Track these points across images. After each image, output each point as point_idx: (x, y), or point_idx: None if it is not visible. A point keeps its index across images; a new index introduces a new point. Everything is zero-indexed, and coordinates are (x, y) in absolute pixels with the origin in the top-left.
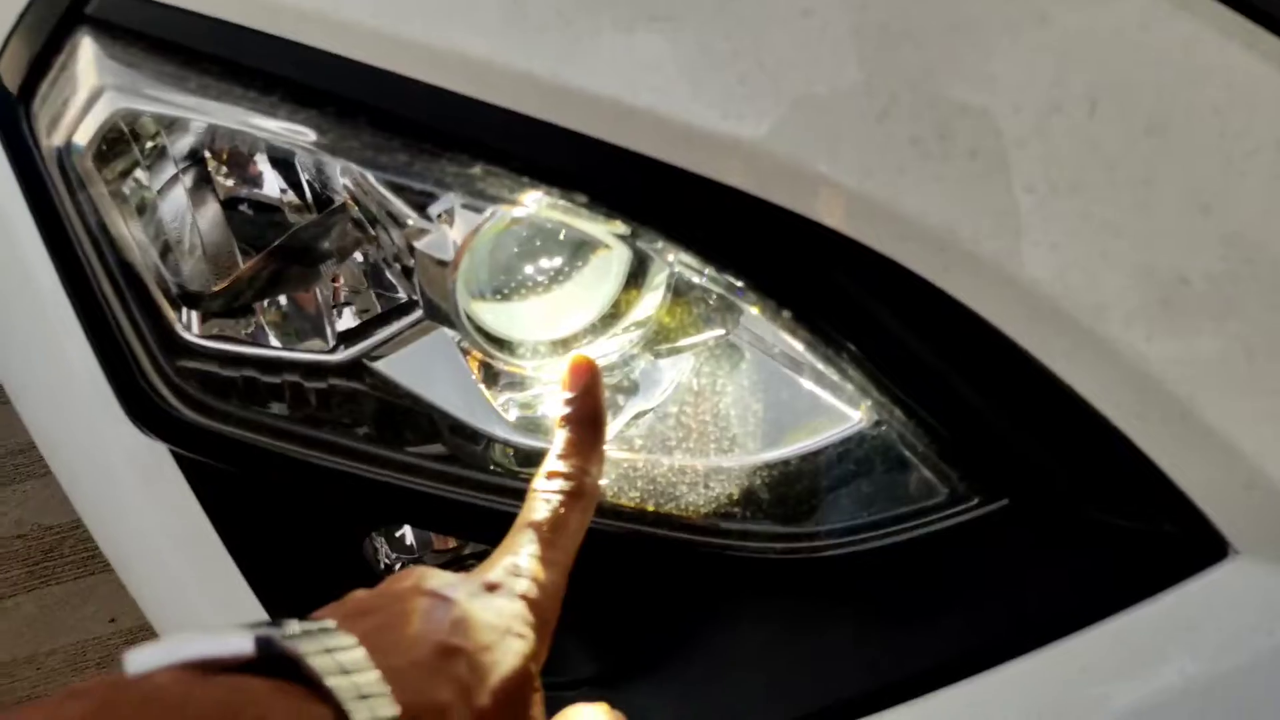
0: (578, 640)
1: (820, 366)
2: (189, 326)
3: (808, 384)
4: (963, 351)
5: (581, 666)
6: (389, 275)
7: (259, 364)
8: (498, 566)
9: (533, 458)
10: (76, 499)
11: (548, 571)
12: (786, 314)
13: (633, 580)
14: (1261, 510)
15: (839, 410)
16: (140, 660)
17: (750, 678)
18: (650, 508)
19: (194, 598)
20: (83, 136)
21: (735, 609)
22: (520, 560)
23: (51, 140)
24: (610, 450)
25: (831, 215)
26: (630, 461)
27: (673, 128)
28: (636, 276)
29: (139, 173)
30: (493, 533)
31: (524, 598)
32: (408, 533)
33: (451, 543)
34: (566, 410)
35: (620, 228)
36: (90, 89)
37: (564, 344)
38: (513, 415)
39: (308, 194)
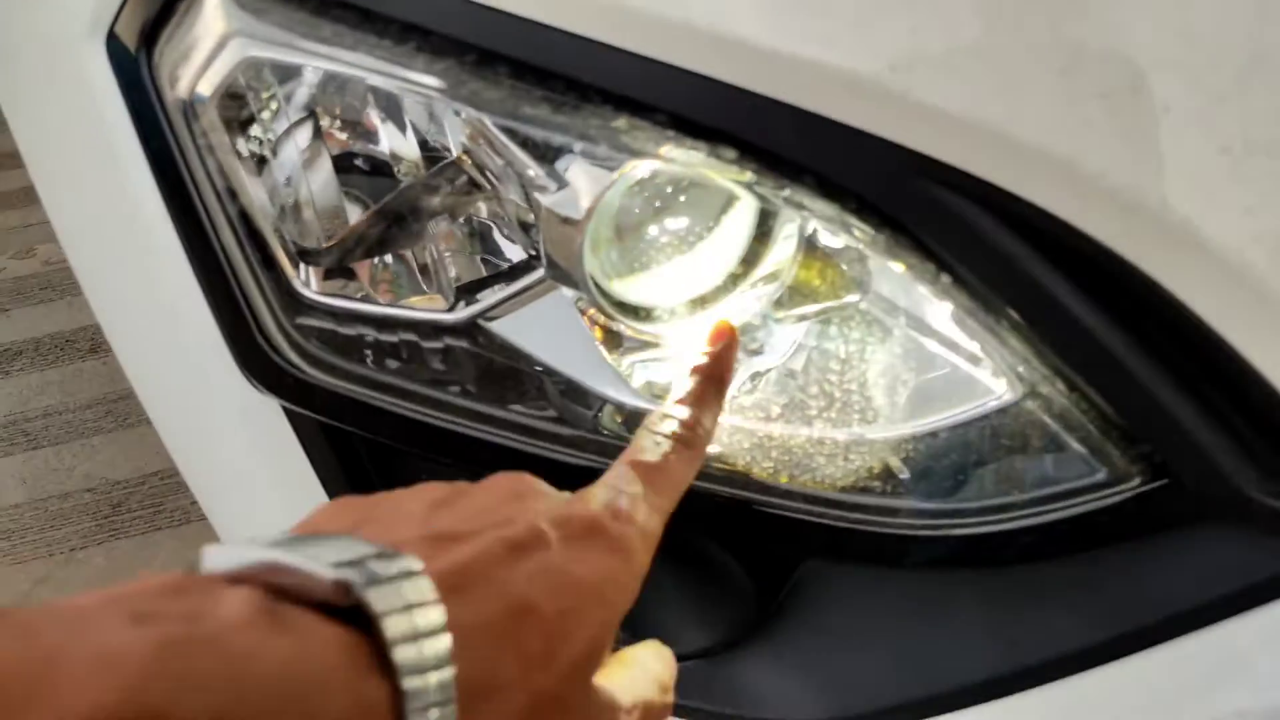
0: (698, 610)
1: (974, 335)
2: (308, 283)
3: (947, 353)
4: (1139, 323)
5: (702, 637)
6: (503, 234)
7: (376, 322)
8: (600, 502)
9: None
10: (179, 454)
11: (650, 517)
12: (946, 278)
13: (760, 551)
14: None
15: (981, 382)
16: (220, 560)
17: (881, 657)
18: (784, 479)
19: None
20: (207, 86)
21: (873, 586)
22: (623, 502)
23: (176, 91)
24: (742, 419)
25: (1004, 173)
26: (765, 431)
27: (837, 79)
28: (765, 231)
29: (257, 127)
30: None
31: (621, 549)
32: None
33: None
34: (697, 363)
35: (756, 181)
36: (217, 36)
37: (689, 306)
38: (637, 380)
39: (418, 150)
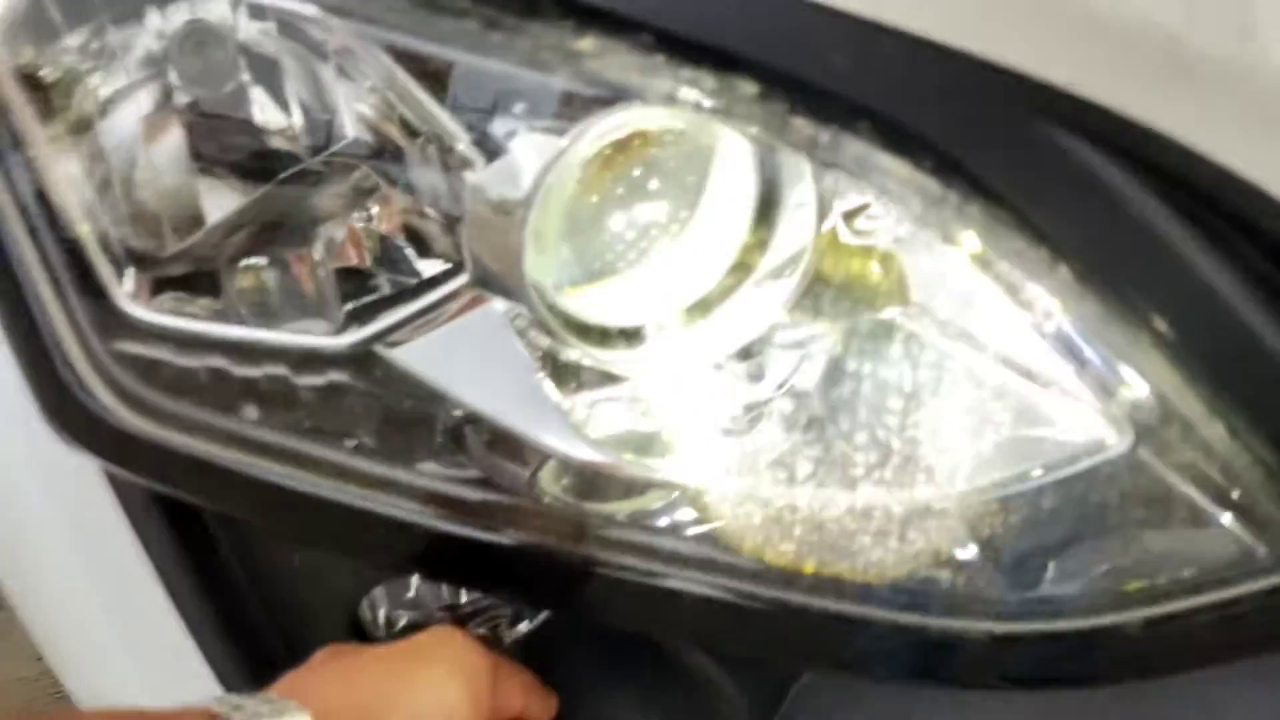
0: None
1: (1105, 354)
2: (134, 296)
3: (1043, 390)
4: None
5: None
6: (410, 231)
7: (231, 350)
8: None
9: (597, 487)
10: None
11: None
12: (1065, 270)
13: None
14: None
15: (1087, 423)
16: None
17: None
18: (811, 568)
19: (124, 664)
20: None
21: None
22: None
23: None
24: (751, 479)
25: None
26: (785, 497)
27: None
28: (768, 203)
29: (64, 84)
30: (536, 587)
31: None
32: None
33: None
34: None
35: (786, 132)
36: None
37: (668, 323)
38: (595, 428)
39: (302, 120)
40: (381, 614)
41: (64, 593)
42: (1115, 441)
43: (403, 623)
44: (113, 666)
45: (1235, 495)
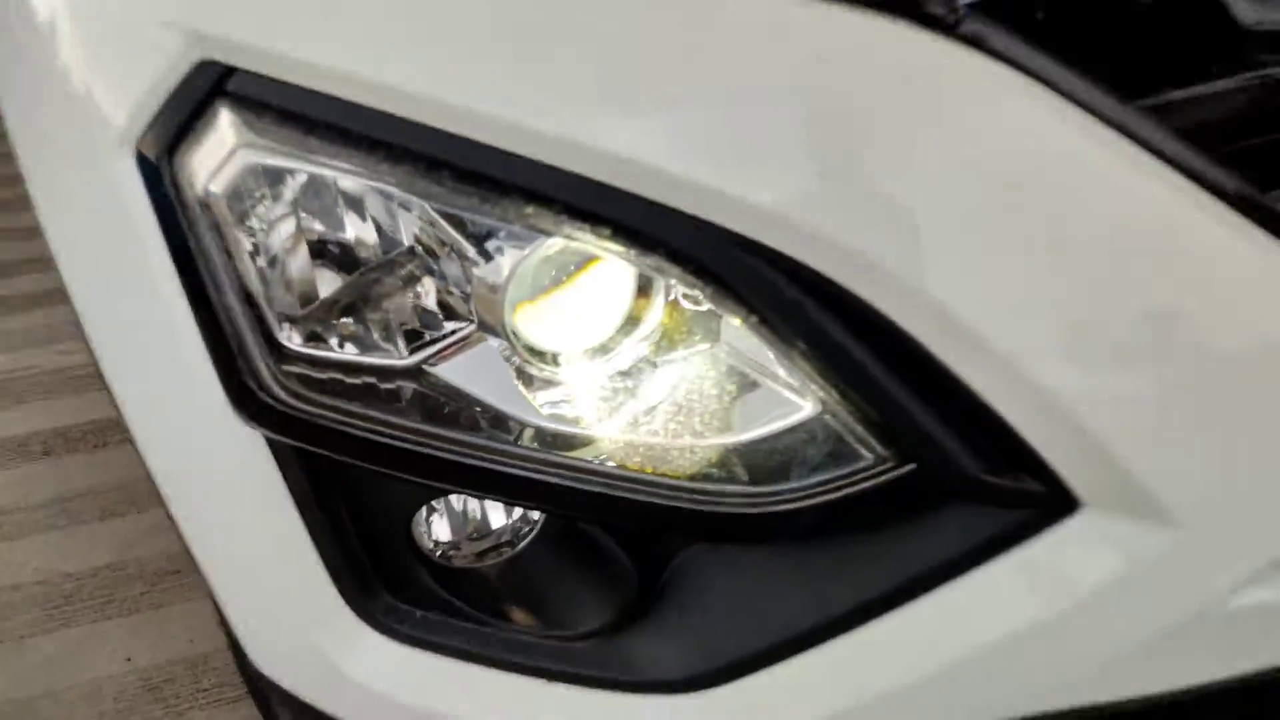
0: (591, 594)
1: (782, 365)
2: (289, 336)
3: (770, 382)
4: (886, 352)
5: (595, 618)
6: (443, 299)
7: (342, 368)
8: None
9: (555, 440)
10: (171, 485)
11: None
12: (754, 319)
13: (641, 542)
14: (1101, 475)
15: (793, 400)
16: None
17: (735, 621)
18: (649, 470)
19: (272, 566)
20: (219, 186)
21: (729, 570)
22: None
23: (194, 190)
24: (636, 434)
25: (800, 251)
26: (647, 443)
27: (685, 185)
28: (642, 298)
29: (254, 218)
30: (516, 494)
31: None
32: (439, 524)
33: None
34: None
35: (628, 253)
36: (229, 147)
37: (587, 353)
38: (545, 410)
39: (376, 237)
40: (426, 528)
41: (235, 521)
42: (808, 407)
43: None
44: (264, 569)
45: (855, 432)
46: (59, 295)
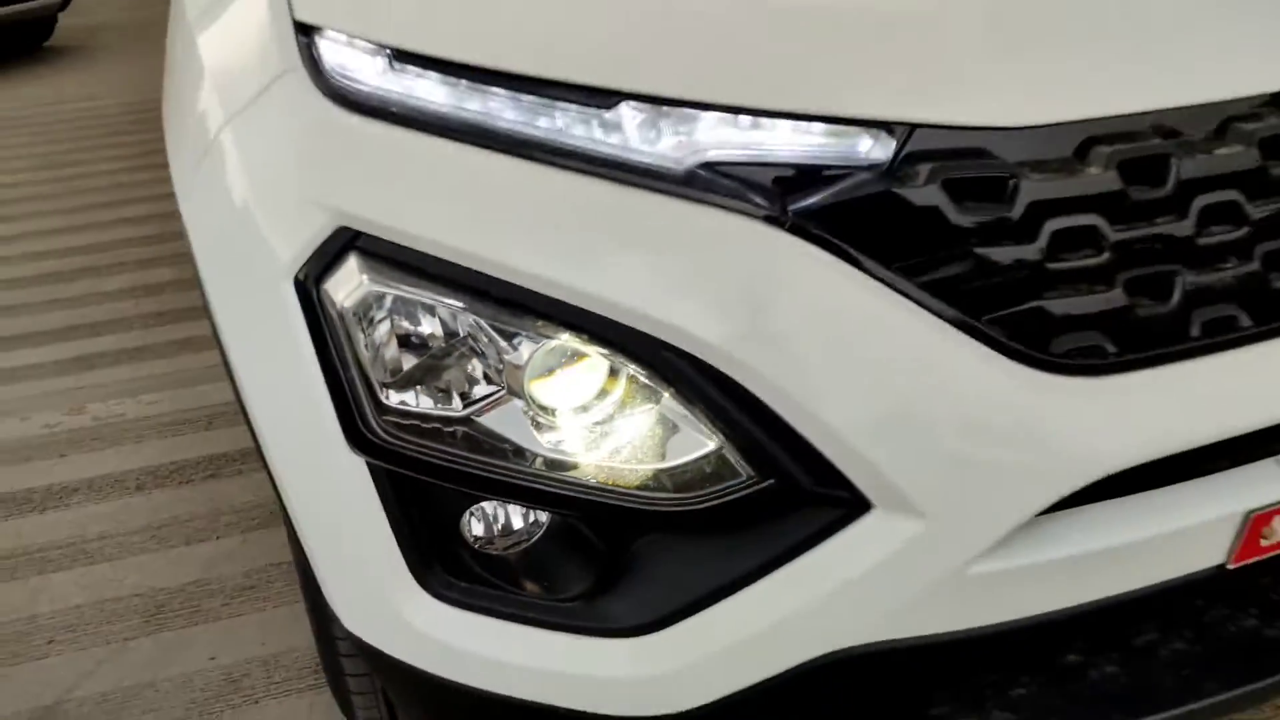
0: (577, 568)
1: (694, 419)
2: (387, 397)
3: (687, 429)
4: (754, 414)
5: (579, 585)
6: (485, 374)
7: (420, 417)
8: None
9: (555, 465)
10: (295, 495)
11: None
12: (677, 391)
13: (608, 526)
14: (879, 486)
15: (700, 440)
16: None
17: (670, 584)
18: (613, 484)
19: (362, 548)
20: (348, 304)
21: (665, 554)
22: None
23: (336, 304)
24: (606, 461)
25: (705, 355)
26: (612, 466)
27: (633, 314)
28: (611, 377)
29: (370, 323)
30: (530, 500)
31: None
32: (489, 519)
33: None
34: None
35: (609, 355)
36: (355, 283)
37: (576, 411)
38: (547, 446)
39: (444, 335)
40: (469, 525)
41: (340, 517)
42: (712, 443)
43: (475, 532)
44: (358, 551)
45: (735, 458)
46: (148, 351)
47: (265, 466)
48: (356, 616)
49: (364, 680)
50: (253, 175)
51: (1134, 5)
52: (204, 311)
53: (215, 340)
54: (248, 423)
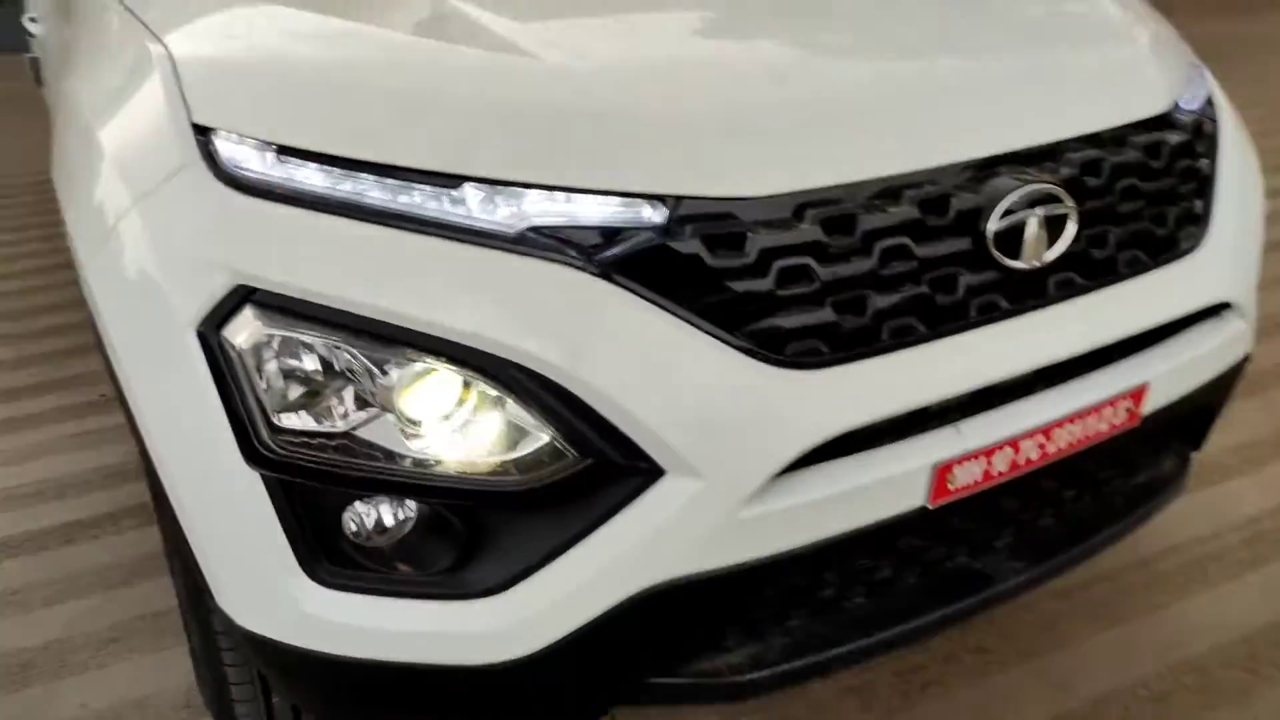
0: (442, 546)
1: (532, 418)
2: (279, 420)
3: (528, 427)
4: (576, 410)
5: (445, 560)
6: (361, 396)
7: (306, 434)
8: None
9: (422, 464)
10: (194, 514)
11: None
12: (517, 397)
13: (466, 509)
14: (669, 456)
15: (537, 434)
16: None
17: (513, 547)
18: (470, 473)
19: (253, 544)
20: (245, 345)
21: (509, 527)
22: None
23: (234, 346)
24: (464, 456)
25: (540, 369)
26: (469, 460)
27: (485, 341)
28: (465, 390)
29: (263, 361)
30: (402, 493)
31: None
32: (365, 517)
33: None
34: None
35: (462, 372)
36: (250, 329)
37: (438, 419)
38: (415, 450)
39: (322, 371)
40: (351, 520)
41: (233, 519)
42: (547, 436)
43: (354, 527)
44: (248, 546)
45: (565, 445)
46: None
47: (157, 503)
48: (251, 613)
49: (247, 689)
50: (158, 247)
51: (834, 105)
52: (106, 372)
53: (117, 393)
54: (147, 467)
